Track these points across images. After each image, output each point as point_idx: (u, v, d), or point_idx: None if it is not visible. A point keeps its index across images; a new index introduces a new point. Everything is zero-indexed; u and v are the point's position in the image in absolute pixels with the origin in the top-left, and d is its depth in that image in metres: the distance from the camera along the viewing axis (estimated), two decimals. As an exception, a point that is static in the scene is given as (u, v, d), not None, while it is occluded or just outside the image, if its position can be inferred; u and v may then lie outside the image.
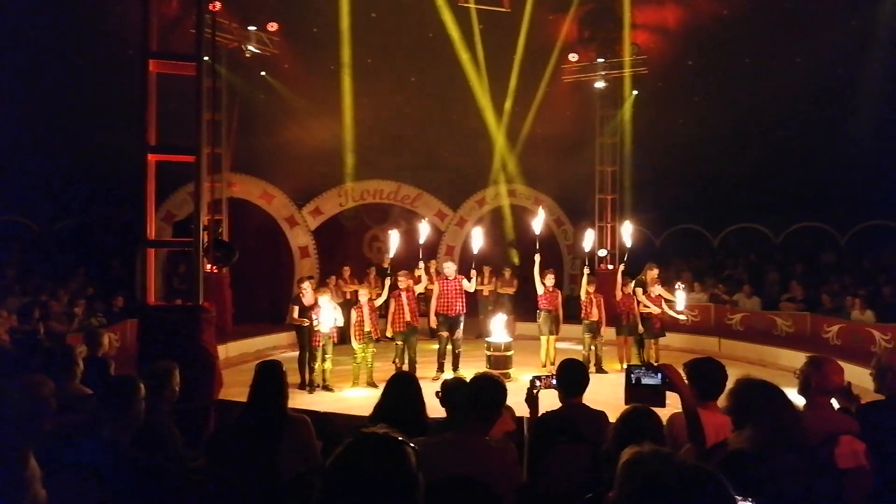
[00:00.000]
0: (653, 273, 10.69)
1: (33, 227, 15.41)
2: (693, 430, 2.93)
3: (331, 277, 13.31)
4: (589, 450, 3.31)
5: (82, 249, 14.41)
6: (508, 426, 3.75)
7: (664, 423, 3.40)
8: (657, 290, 10.59)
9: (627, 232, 10.82)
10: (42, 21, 11.80)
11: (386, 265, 9.85)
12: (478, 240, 10.36)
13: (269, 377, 3.59)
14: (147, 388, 3.35)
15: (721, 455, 2.66)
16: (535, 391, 3.60)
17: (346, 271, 13.91)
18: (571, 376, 3.95)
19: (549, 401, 3.80)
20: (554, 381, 3.78)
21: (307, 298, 9.51)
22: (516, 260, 15.75)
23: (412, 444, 1.59)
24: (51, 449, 3.01)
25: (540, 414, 3.67)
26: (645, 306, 10.50)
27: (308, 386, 9.36)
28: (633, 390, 3.13)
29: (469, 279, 10.03)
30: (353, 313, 9.53)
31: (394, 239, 10.01)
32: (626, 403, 3.04)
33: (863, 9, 12.39)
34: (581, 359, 10.21)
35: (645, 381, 3.12)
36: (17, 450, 2.63)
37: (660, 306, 10.53)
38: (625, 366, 10.26)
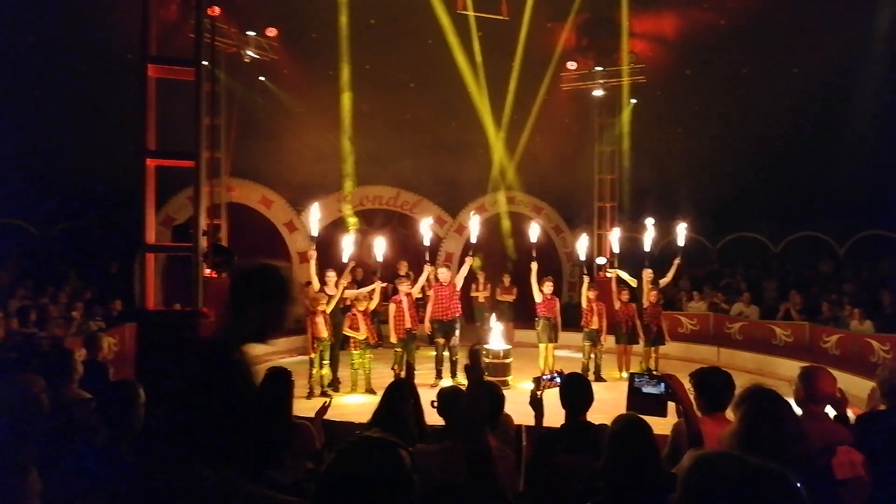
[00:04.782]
0: (646, 276, 10.68)
1: (31, 230, 15.38)
2: (693, 441, 2.93)
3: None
4: (587, 461, 3.30)
5: (81, 253, 14.37)
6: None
7: (670, 431, 3.38)
8: (657, 288, 10.61)
9: (615, 238, 10.89)
10: (41, 25, 11.81)
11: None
12: (475, 227, 10.46)
13: (277, 384, 3.59)
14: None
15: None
16: (538, 393, 3.55)
17: (354, 273, 13.82)
18: (577, 396, 3.69)
19: (555, 404, 3.74)
20: (557, 379, 3.71)
21: (330, 288, 9.53)
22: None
23: (406, 447, 1.59)
24: (49, 453, 3.00)
25: (544, 424, 3.61)
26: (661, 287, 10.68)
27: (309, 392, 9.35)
28: (635, 398, 3.13)
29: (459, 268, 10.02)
30: (348, 320, 9.54)
31: (379, 245, 10.01)
32: (628, 410, 3.04)
33: (859, 21, 12.44)
34: (580, 367, 10.20)
35: (647, 389, 3.13)
36: (17, 451, 2.61)
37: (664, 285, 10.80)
38: (624, 374, 10.24)
